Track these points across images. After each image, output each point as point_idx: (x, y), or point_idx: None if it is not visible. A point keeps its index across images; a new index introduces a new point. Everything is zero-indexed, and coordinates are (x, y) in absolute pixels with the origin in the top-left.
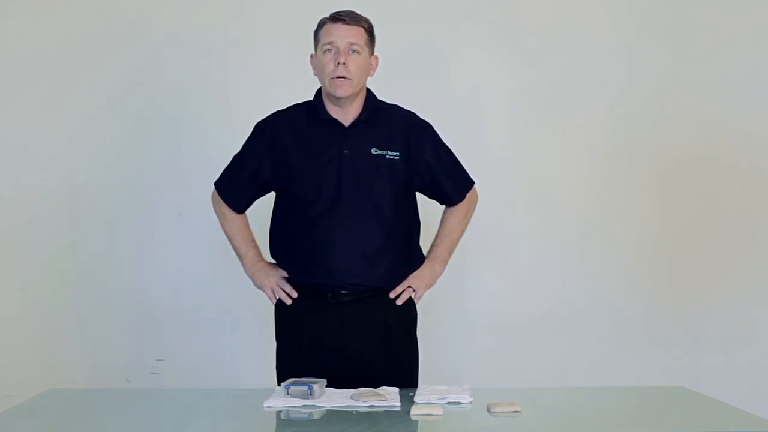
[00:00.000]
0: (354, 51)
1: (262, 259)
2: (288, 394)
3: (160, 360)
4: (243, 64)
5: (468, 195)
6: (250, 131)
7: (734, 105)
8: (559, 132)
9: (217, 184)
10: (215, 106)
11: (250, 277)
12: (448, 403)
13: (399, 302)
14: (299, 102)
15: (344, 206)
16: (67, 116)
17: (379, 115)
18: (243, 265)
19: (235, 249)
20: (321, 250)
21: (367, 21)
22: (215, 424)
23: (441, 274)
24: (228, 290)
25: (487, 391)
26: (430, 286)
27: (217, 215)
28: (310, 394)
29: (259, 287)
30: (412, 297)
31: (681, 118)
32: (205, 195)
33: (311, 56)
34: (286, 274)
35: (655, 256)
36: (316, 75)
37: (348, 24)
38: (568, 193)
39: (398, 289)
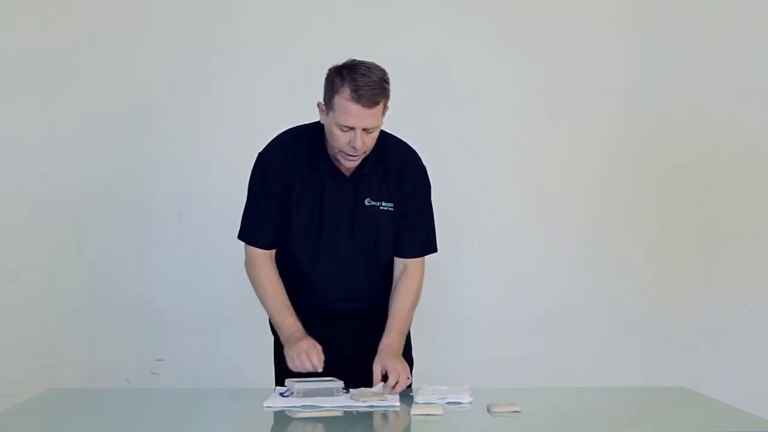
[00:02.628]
0: (369, 132)
1: (299, 330)
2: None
3: (160, 360)
4: (243, 65)
5: (422, 261)
6: (253, 164)
7: (736, 105)
8: (561, 132)
9: (241, 235)
10: (216, 106)
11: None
12: (448, 403)
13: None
14: (299, 128)
15: (340, 254)
16: (67, 116)
17: (380, 165)
18: (280, 334)
19: (271, 316)
20: (311, 282)
21: (384, 88)
22: (215, 424)
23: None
24: (228, 290)
25: (487, 391)
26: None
27: (253, 286)
28: (285, 394)
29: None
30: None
31: (683, 119)
32: (205, 195)
33: (319, 104)
34: (315, 352)
35: (657, 256)
36: (323, 124)
37: (367, 107)
38: (570, 193)
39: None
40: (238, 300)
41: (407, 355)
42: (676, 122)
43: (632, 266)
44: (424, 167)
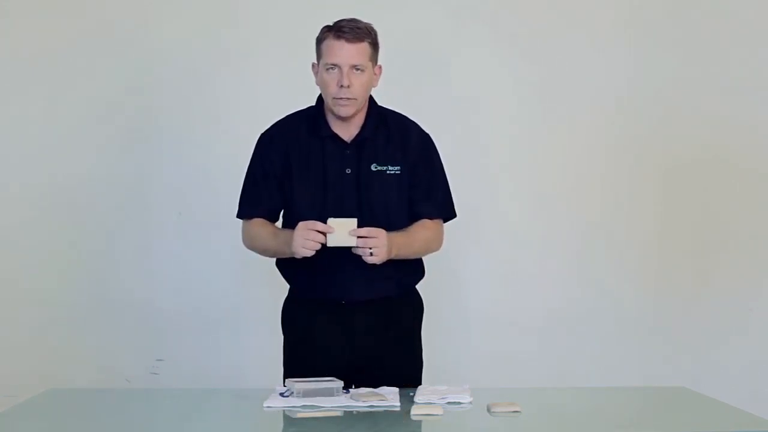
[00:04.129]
0: (357, 70)
1: (288, 234)
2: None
3: (160, 360)
4: (244, 65)
5: (440, 222)
6: (254, 144)
7: (736, 105)
8: (560, 132)
9: (239, 213)
10: (216, 105)
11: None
12: (448, 403)
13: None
14: (300, 110)
15: None
16: (67, 116)
17: (381, 128)
18: (287, 253)
19: (275, 253)
20: (327, 271)
21: (370, 33)
22: (215, 424)
23: (392, 255)
24: (228, 290)
25: (487, 391)
26: (384, 258)
27: (252, 247)
28: (285, 394)
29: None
30: (361, 253)
31: (683, 119)
32: (205, 195)
33: (313, 64)
34: (306, 226)
35: (657, 256)
36: (318, 84)
37: (351, 42)
38: (570, 193)
39: (362, 233)
40: (239, 300)
41: (417, 357)
42: (676, 122)
43: (632, 266)
44: (429, 135)
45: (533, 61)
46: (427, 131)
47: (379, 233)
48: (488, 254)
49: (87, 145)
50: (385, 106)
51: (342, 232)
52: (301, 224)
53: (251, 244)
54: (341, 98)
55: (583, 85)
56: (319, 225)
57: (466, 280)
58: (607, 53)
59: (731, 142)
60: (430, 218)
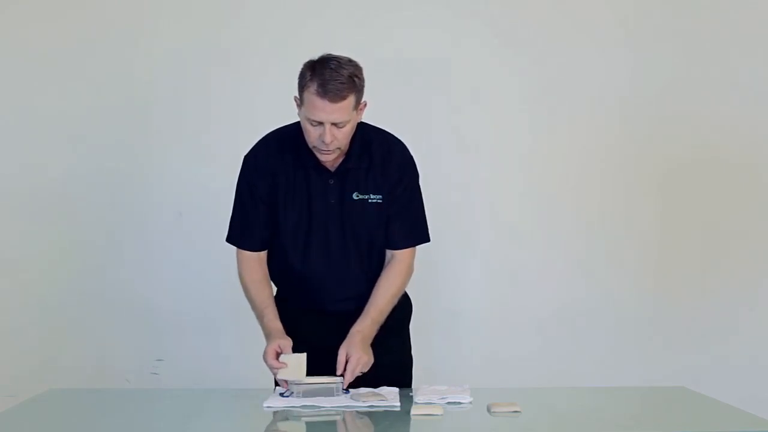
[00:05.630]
0: (340, 125)
1: (270, 331)
2: (286, 393)
3: (160, 360)
4: (244, 65)
5: (411, 251)
6: (240, 166)
7: (736, 106)
8: (560, 132)
9: (228, 238)
10: (216, 105)
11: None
12: (448, 403)
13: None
14: (285, 128)
15: (332, 251)
16: (67, 116)
17: (364, 156)
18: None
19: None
20: (313, 290)
21: (353, 82)
22: (215, 424)
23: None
24: (228, 290)
25: (487, 391)
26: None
27: (243, 288)
28: (285, 394)
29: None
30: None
31: (683, 120)
32: (205, 195)
33: (295, 98)
34: (284, 348)
35: (657, 256)
36: (298, 117)
37: (334, 101)
38: (570, 193)
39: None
40: (239, 300)
41: (406, 354)
42: (676, 122)
43: (632, 266)
44: (411, 157)
45: (533, 61)
46: (410, 154)
47: (352, 360)
48: (488, 255)
49: (87, 146)
50: (371, 125)
51: (294, 366)
52: (264, 353)
53: (242, 287)
54: (322, 150)
55: (583, 86)
56: (273, 363)
57: (467, 280)
58: (607, 53)
59: (731, 143)
60: (400, 249)
